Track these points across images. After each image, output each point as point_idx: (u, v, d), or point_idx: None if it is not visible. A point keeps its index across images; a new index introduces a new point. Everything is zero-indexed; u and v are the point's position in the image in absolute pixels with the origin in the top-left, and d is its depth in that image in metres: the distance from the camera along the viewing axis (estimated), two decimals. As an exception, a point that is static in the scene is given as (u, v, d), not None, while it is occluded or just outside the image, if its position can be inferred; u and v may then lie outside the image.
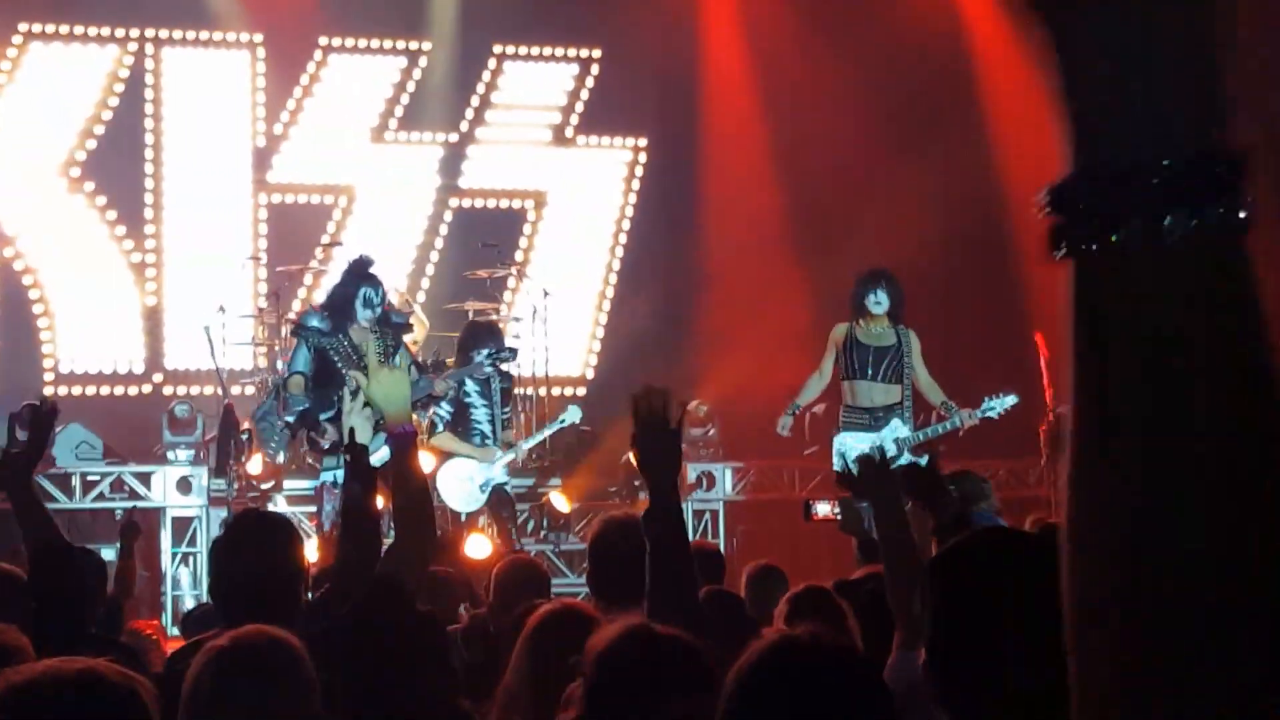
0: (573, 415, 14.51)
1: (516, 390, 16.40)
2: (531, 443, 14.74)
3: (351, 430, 5.90)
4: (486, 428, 13.83)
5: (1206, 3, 1.38)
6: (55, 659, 3.28)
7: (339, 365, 12.50)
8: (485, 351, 13.61)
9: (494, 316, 17.28)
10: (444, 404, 13.57)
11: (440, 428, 13.63)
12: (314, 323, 12.70)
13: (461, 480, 13.65)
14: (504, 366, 13.97)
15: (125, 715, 3.20)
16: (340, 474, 12.48)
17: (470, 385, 13.60)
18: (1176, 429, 1.35)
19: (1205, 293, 1.36)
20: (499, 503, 13.83)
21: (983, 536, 3.36)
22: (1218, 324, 1.34)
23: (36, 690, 3.17)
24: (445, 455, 13.62)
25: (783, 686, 3.06)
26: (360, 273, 12.80)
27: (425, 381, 12.84)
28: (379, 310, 12.68)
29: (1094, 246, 1.44)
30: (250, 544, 5.27)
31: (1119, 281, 1.41)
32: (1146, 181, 1.39)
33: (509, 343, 16.56)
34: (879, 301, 13.36)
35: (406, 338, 13.33)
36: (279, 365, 15.73)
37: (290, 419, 12.79)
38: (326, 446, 12.52)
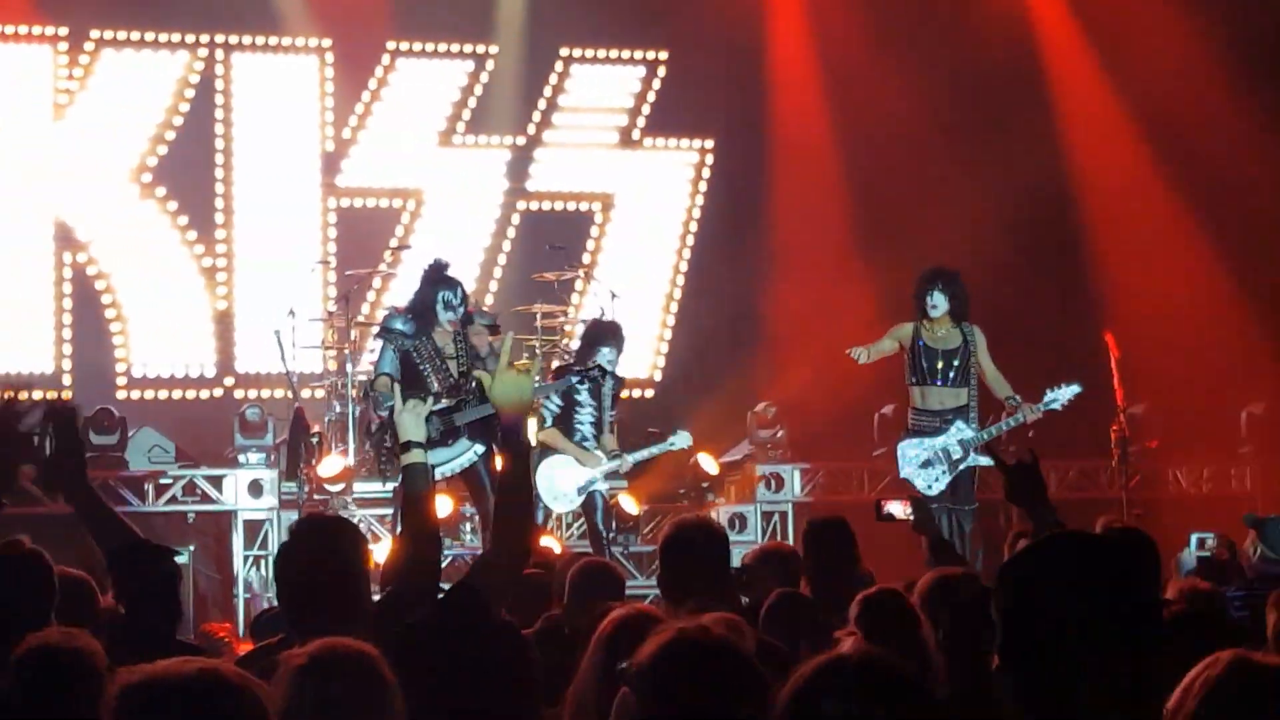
0: (682, 441, 14.46)
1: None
2: (639, 457, 14.48)
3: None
4: (589, 429, 13.88)
5: None
6: (170, 660, 3.21)
7: (422, 368, 12.67)
8: (607, 354, 13.69)
9: (561, 319, 17.33)
10: (554, 398, 13.65)
11: (549, 422, 13.70)
12: (398, 325, 12.87)
13: (559, 478, 13.69)
14: (614, 370, 14.00)
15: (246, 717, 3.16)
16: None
17: (582, 388, 13.66)
18: None
19: None
20: (594, 508, 13.89)
21: (1054, 541, 3.37)
22: None
23: (155, 690, 3.13)
24: (546, 450, 13.66)
25: (828, 711, 3.06)
26: (437, 277, 12.94)
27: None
28: (460, 311, 12.80)
29: None
30: (311, 548, 5.28)
31: None
32: None
33: (576, 346, 16.66)
34: (935, 305, 13.31)
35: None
36: (348, 369, 15.82)
37: (385, 414, 12.86)
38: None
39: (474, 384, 12.65)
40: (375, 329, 14.22)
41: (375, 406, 13.18)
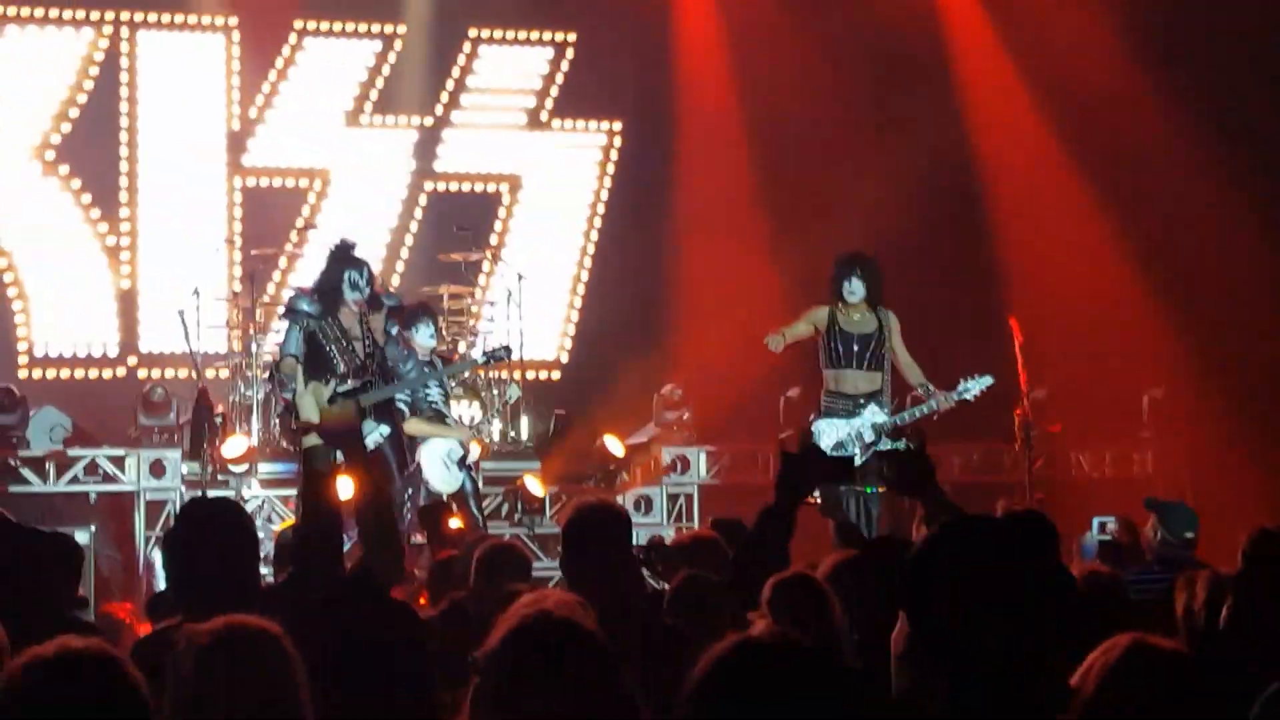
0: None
1: (491, 374, 16.47)
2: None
3: None
4: (441, 405, 13.90)
5: None
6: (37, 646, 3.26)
7: (328, 349, 12.64)
8: (425, 331, 13.68)
9: (468, 301, 17.30)
10: (403, 393, 13.60)
11: (406, 412, 13.64)
12: (304, 306, 12.85)
13: (440, 461, 13.67)
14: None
15: (112, 689, 3.19)
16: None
17: (412, 366, 13.62)
18: None
19: None
20: (467, 493, 13.92)
21: (953, 527, 3.41)
22: None
23: (19, 680, 3.16)
24: (418, 440, 13.64)
25: (738, 693, 3.07)
26: (343, 256, 12.93)
27: (417, 371, 12.99)
28: (367, 291, 12.78)
29: None
30: (201, 531, 5.30)
31: None
32: None
33: (482, 326, 16.67)
34: (854, 290, 13.40)
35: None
36: (252, 348, 15.75)
37: (288, 396, 12.86)
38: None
39: (378, 365, 12.67)
40: (281, 309, 14.18)
41: (281, 388, 13.18)
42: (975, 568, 3.26)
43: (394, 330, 13.37)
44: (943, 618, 3.27)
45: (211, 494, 14.70)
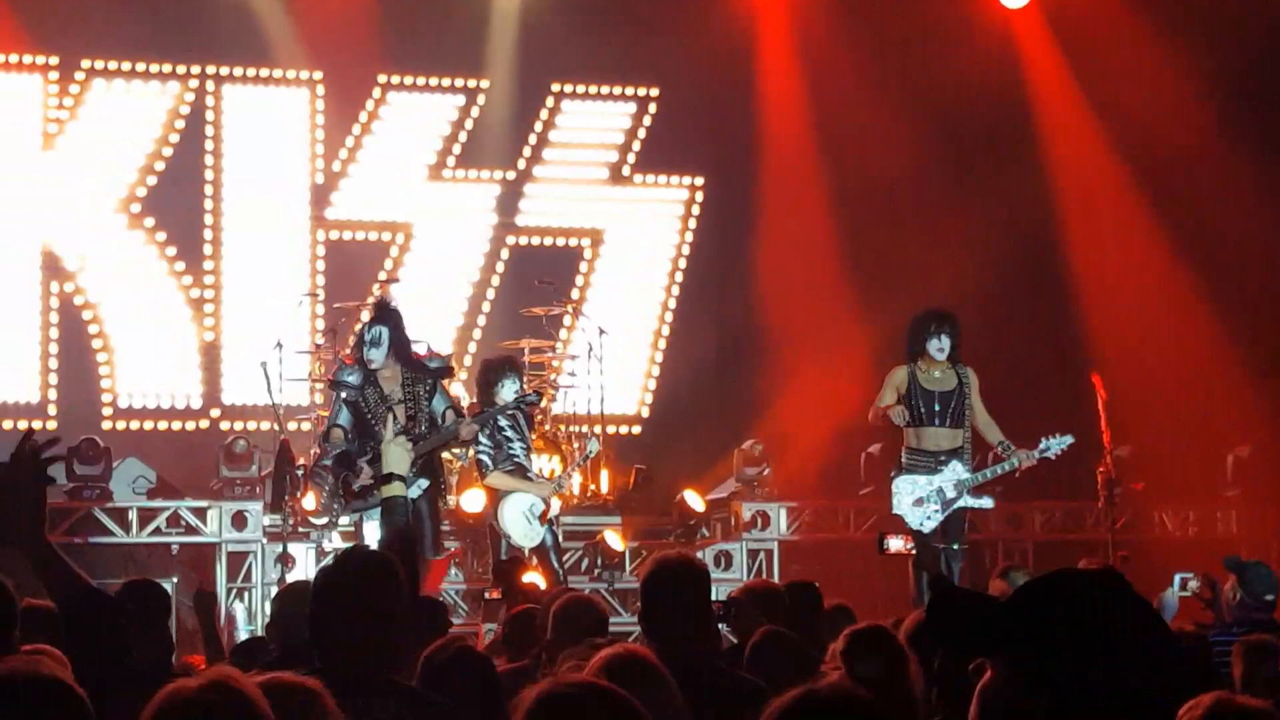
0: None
1: (572, 428, 16.51)
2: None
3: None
4: (524, 459, 13.88)
5: None
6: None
7: (370, 418, 12.75)
8: (510, 386, 13.66)
9: (549, 355, 17.32)
10: (484, 441, 13.61)
11: (490, 466, 13.64)
12: (345, 377, 13.01)
13: (522, 515, 13.65)
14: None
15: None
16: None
17: (503, 420, 13.62)
18: None
19: None
20: (548, 546, 13.88)
21: (1055, 575, 3.38)
22: None
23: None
24: (500, 493, 13.63)
25: None
26: (371, 315, 13.11)
27: (452, 425, 12.94)
28: (383, 350, 12.82)
29: None
30: (350, 581, 5.21)
31: None
32: None
33: (563, 380, 16.69)
34: (942, 348, 13.29)
35: (447, 381, 13.51)
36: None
37: (327, 463, 12.99)
38: (357, 488, 12.77)
39: (423, 425, 12.69)
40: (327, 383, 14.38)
41: (325, 455, 13.32)
42: (1082, 612, 3.23)
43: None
44: (1045, 668, 3.24)
45: (292, 547, 14.83)
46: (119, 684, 4.16)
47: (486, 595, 12.45)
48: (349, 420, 12.88)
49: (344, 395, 12.93)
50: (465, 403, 15.21)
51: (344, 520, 14.22)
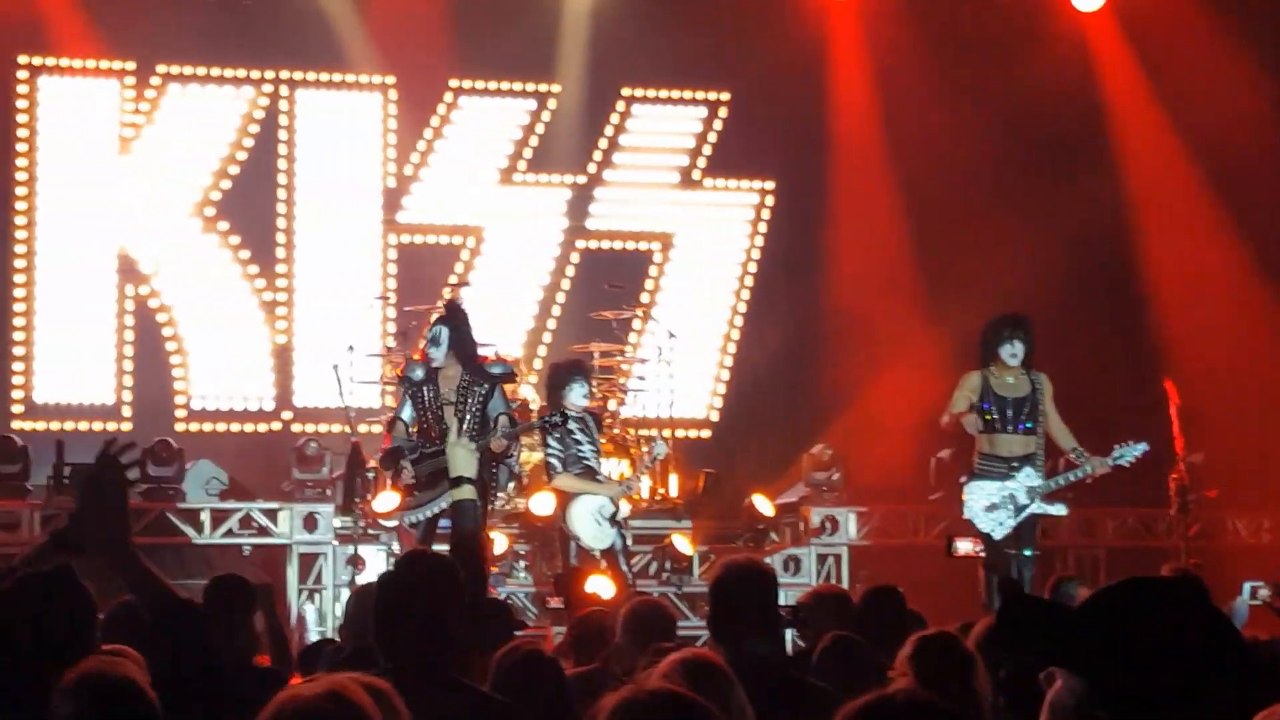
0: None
1: (641, 431, 16.52)
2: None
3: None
4: (593, 461, 13.89)
5: None
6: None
7: (424, 415, 12.87)
8: (578, 390, 13.68)
9: (619, 359, 17.32)
10: (553, 444, 13.64)
11: (559, 468, 13.66)
12: (410, 373, 13.10)
13: (592, 517, 13.66)
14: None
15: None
16: (411, 516, 12.80)
17: (571, 424, 13.64)
18: None
19: None
20: (617, 550, 13.89)
21: (1127, 583, 3.36)
22: None
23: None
24: (569, 496, 13.64)
25: None
26: (439, 316, 13.18)
27: (484, 439, 12.89)
28: (442, 348, 12.86)
29: None
30: (410, 581, 5.28)
31: None
32: None
33: (632, 384, 16.71)
34: (1015, 353, 13.16)
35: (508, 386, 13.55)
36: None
37: (379, 457, 13.11)
38: (404, 484, 12.97)
39: (472, 429, 12.66)
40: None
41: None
42: (1154, 622, 3.21)
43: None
44: (1116, 678, 3.22)
45: (363, 549, 14.90)
46: (203, 683, 4.20)
47: (549, 603, 12.48)
48: (411, 415, 12.96)
49: (410, 391, 13.00)
50: (535, 406, 15.27)
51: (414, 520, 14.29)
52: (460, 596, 5.25)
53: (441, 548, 11.31)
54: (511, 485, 14.24)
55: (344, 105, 19.11)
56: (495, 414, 12.78)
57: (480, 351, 13.33)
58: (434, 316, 13.51)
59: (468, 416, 12.71)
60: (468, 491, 12.24)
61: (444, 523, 12.68)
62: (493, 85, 19.42)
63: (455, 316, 13.18)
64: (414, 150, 19.14)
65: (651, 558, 15.84)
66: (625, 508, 14.07)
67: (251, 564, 15.49)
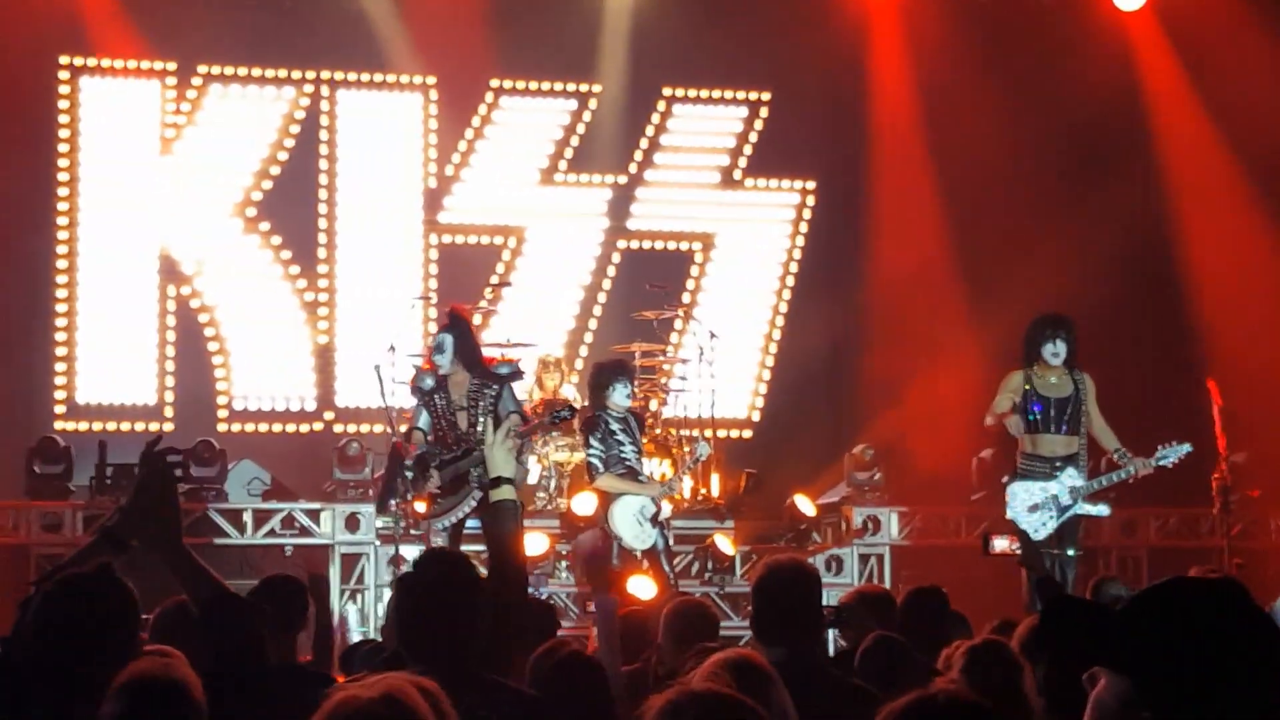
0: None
1: (683, 432, 16.50)
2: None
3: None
4: (635, 462, 13.87)
5: None
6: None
7: (437, 424, 13.03)
8: (621, 390, 13.66)
9: (660, 359, 17.32)
10: (595, 444, 13.62)
11: (601, 469, 13.64)
12: (420, 383, 13.21)
13: (634, 517, 13.63)
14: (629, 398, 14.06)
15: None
16: (439, 522, 12.82)
17: (614, 424, 13.63)
18: None
19: None
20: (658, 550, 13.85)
21: (1172, 583, 3.35)
22: None
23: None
24: (611, 496, 13.62)
25: None
26: (441, 326, 13.27)
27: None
28: (448, 355, 12.92)
29: None
30: (429, 580, 5.28)
31: None
32: None
33: (674, 384, 16.69)
34: (1057, 353, 13.12)
35: (516, 384, 13.53)
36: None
37: (408, 462, 13.14)
38: (426, 493, 13.08)
39: (480, 431, 12.70)
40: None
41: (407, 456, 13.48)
42: (1198, 622, 3.20)
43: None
44: (1160, 678, 3.21)
45: (405, 549, 14.90)
46: (255, 683, 4.21)
47: (589, 605, 12.48)
48: (428, 424, 13.11)
49: (423, 401, 13.08)
50: (578, 405, 15.26)
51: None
52: (479, 593, 5.26)
53: (476, 548, 11.40)
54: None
55: (385, 105, 19.15)
56: (507, 413, 12.84)
57: (485, 353, 13.38)
58: (478, 320, 13.54)
59: (482, 419, 12.78)
60: (507, 492, 12.18)
61: (472, 523, 12.78)
62: (534, 85, 19.44)
63: (457, 324, 13.23)
64: (455, 150, 19.17)
65: (693, 558, 15.83)
66: (667, 508, 14.05)
67: (294, 564, 15.53)
